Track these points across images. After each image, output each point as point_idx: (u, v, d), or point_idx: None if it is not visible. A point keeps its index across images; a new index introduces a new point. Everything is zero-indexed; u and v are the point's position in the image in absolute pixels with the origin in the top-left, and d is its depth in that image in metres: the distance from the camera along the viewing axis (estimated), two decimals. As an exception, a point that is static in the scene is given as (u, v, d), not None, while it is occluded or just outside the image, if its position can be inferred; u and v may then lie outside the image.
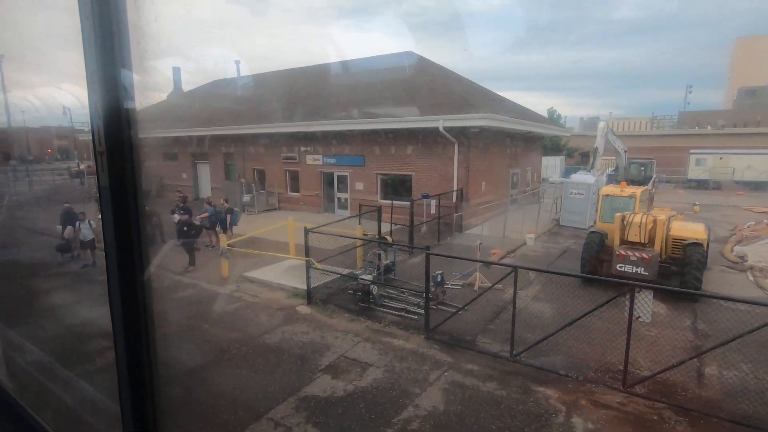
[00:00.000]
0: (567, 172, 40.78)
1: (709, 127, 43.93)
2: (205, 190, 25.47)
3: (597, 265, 10.24)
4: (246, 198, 20.54)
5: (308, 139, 20.08)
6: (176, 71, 33.45)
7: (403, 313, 8.72)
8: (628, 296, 6.15)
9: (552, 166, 38.29)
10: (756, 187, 30.81)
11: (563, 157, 41.02)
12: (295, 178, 21.35)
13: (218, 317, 8.79)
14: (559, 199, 19.13)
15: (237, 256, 12.24)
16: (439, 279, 9.10)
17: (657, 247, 9.21)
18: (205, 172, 25.69)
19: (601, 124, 20.55)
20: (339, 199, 19.98)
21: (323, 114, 19.44)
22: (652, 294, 6.16)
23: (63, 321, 9.01)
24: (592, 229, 10.92)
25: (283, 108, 22.27)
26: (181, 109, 28.80)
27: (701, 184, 32.63)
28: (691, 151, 34.44)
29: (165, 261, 12.83)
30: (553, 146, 41.64)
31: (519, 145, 21.43)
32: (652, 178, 24.23)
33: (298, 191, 21.22)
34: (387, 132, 17.27)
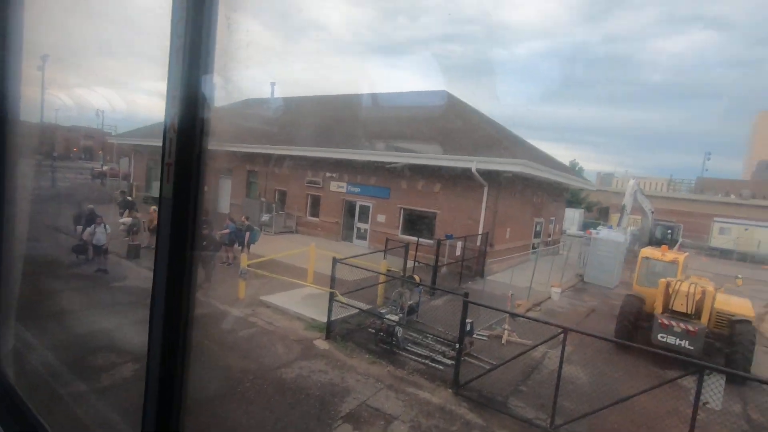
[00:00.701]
0: (585, 226, 40.29)
1: (732, 196, 43.34)
2: (224, 206, 25.39)
3: (633, 332, 9.63)
4: (265, 217, 20.34)
5: (335, 165, 20.02)
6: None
7: (428, 362, 8.16)
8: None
9: (571, 218, 37.82)
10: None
11: (582, 211, 40.58)
12: (316, 203, 21.17)
13: (233, 342, 8.32)
14: (583, 254, 18.59)
15: (253, 277, 11.86)
16: (469, 328, 8.56)
17: (704, 320, 8.62)
18: (226, 187, 25.70)
19: (631, 182, 20.28)
20: (359, 228, 19.66)
21: (352, 143, 19.45)
22: (725, 378, 5.57)
23: (72, 325, 8.62)
24: (629, 293, 10.37)
25: (312, 133, 22.42)
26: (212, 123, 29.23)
27: (724, 254, 31.76)
28: (715, 219, 33.79)
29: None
30: (573, 198, 41.31)
31: (545, 194, 21.12)
32: (678, 243, 23.62)
33: (317, 216, 20.99)
34: (416, 167, 17.12)
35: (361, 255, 11.02)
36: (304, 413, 6.15)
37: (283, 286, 11.85)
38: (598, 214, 47.21)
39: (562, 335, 6.24)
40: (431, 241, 16.46)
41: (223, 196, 25.80)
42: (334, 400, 6.59)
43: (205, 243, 11.87)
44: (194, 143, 1.07)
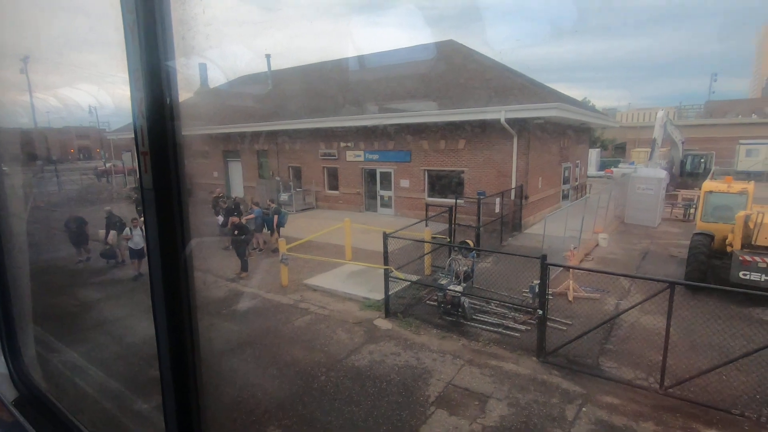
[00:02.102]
0: (603, 165, 39.23)
1: (754, 116, 41.68)
2: (238, 189, 24.75)
3: (706, 272, 9.05)
4: (284, 197, 19.68)
5: (348, 134, 19.10)
6: (203, 67, 32.75)
7: (500, 330, 7.69)
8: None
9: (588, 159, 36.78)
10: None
11: (599, 150, 39.39)
12: (333, 175, 20.41)
13: (292, 333, 7.88)
14: (614, 194, 17.81)
15: (291, 261, 11.35)
16: (537, 289, 8.02)
17: (791, 252, 7.98)
18: (237, 170, 24.96)
19: (660, 113, 19.20)
20: (382, 197, 18.97)
21: (362, 109, 18.43)
22: None
23: (115, 334, 8.22)
24: (696, 231, 9.70)
25: (317, 103, 21.35)
26: (210, 106, 28.10)
27: (754, 177, 30.71)
28: (741, 141, 32.54)
29: (214, 267, 12.04)
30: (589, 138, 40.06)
31: (571, 137, 20.12)
32: (711, 172, 22.68)
33: (337, 189, 20.29)
34: (437, 125, 16.18)
35: (408, 227, 10.30)
36: (391, 403, 5.73)
37: (323, 266, 11.36)
38: (614, 151, 45.95)
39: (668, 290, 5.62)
40: (461, 201, 15.80)
41: (235, 179, 25.12)
42: (418, 384, 6.16)
43: (236, 232, 11.30)
44: (166, 128, 1.00)
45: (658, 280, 6.08)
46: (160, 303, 1.12)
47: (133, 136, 1.04)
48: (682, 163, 22.20)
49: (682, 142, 21.94)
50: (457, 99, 16.09)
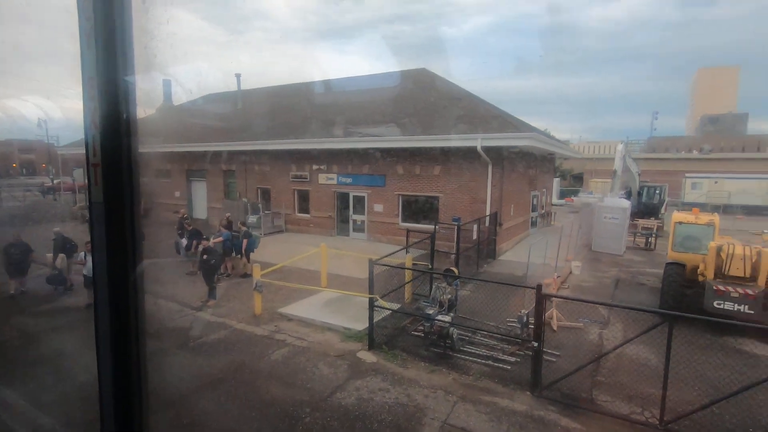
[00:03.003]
0: (563, 194, 40.89)
1: (695, 152, 45.14)
2: (201, 210, 23.66)
3: (680, 301, 9.28)
4: (251, 219, 18.90)
5: (321, 157, 18.79)
6: (167, 83, 31.70)
7: (490, 362, 7.44)
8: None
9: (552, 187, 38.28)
10: (752, 211, 31.31)
11: (558, 179, 41.10)
12: (305, 198, 19.91)
13: (269, 368, 7.26)
14: (581, 222, 18.40)
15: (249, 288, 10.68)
16: (525, 319, 7.90)
17: (761, 282, 8.32)
18: (200, 190, 23.90)
19: (620, 147, 20.21)
20: (355, 221, 18.63)
21: (336, 131, 18.25)
22: None
23: (62, 368, 7.28)
24: (668, 261, 10.01)
25: (289, 125, 21.00)
26: (173, 123, 27.03)
27: (698, 208, 32.92)
28: (686, 174, 34.98)
29: (177, 293, 11.16)
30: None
31: (538, 166, 20.79)
32: (665, 203, 24.03)
33: (308, 212, 19.78)
34: (412, 151, 16.21)
35: (392, 254, 9.95)
36: (385, 447, 5.28)
37: (297, 293, 10.80)
38: (572, 180, 48.14)
39: (663, 325, 5.58)
40: (432, 227, 15.74)
41: (199, 199, 24.01)
42: (412, 424, 5.75)
43: (205, 257, 10.58)
44: (121, 139, 0.97)
45: (653, 312, 6.06)
46: (104, 326, 1.04)
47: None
48: (639, 194, 23.39)
49: (639, 174, 23.20)
50: (432, 125, 16.25)
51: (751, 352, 7.88)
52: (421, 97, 19.22)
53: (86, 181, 1.00)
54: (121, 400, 1.13)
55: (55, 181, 36.12)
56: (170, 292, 11.34)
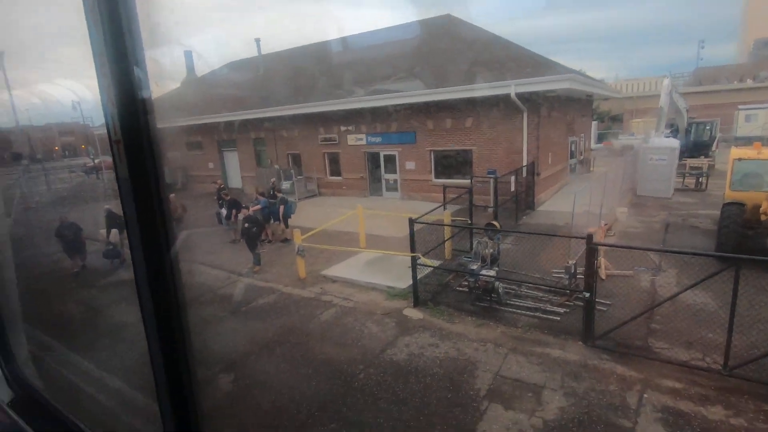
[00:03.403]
0: (600, 137, 38.90)
1: (749, 81, 41.43)
2: (235, 179, 24.10)
3: (740, 243, 8.77)
4: (285, 185, 19.10)
5: (348, 117, 18.46)
6: (188, 55, 31.66)
7: (538, 314, 7.37)
8: None
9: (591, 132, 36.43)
10: (814, 141, 28.81)
11: (596, 122, 38.97)
12: (335, 160, 19.84)
13: (319, 329, 7.50)
14: (622, 167, 17.46)
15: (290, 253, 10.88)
16: (573, 270, 7.71)
17: (833, 218, 7.70)
18: (233, 160, 24.24)
19: (666, 81, 18.75)
20: (387, 180, 18.48)
21: (361, 90, 17.75)
22: None
23: (121, 335, 7.79)
24: (726, 202, 9.40)
25: (313, 86, 20.60)
26: (199, 95, 27.14)
27: (752, 142, 30.60)
28: (739, 107, 32.30)
29: (223, 262, 11.57)
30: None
31: (576, 110, 19.68)
32: (716, 139, 22.43)
33: (339, 175, 19.75)
34: (442, 104, 15.62)
35: (430, 211, 9.80)
36: (441, 399, 5.40)
37: (337, 255, 10.96)
38: (611, 122, 45.62)
39: (727, 271, 5.27)
40: (467, 182, 15.39)
41: (232, 169, 24.42)
42: (464, 377, 5.83)
43: (246, 225, 10.81)
44: (138, 114, 0.97)
45: (718, 255, 5.73)
46: (146, 297, 1.09)
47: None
48: (687, 132, 21.88)
49: (687, 110, 21.60)
50: (461, 75, 15.51)
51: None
52: (448, 45, 18.28)
53: (112, 158, 1.02)
54: (170, 368, 1.18)
55: (96, 161, 37.56)
56: (217, 260, 11.77)
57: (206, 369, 6.37)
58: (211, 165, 25.13)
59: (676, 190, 16.31)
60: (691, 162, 19.26)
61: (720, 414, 4.84)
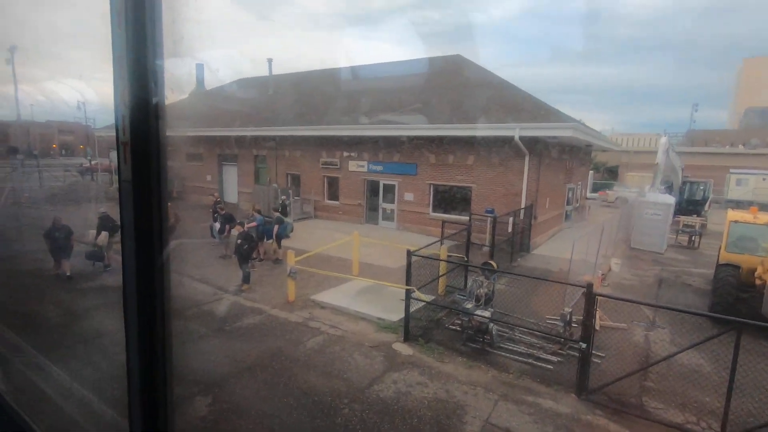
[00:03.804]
0: (595, 188, 39.53)
1: (740, 146, 42.79)
2: (232, 194, 23.96)
3: (734, 305, 8.74)
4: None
5: (352, 144, 18.62)
6: (199, 68, 32.10)
7: (531, 360, 7.19)
8: None
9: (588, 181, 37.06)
10: (802, 210, 29.51)
11: (592, 172, 39.73)
12: (334, 185, 19.85)
13: (304, 356, 7.23)
14: (620, 218, 17.66)
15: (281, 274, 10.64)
16: (568, 318, 7.59)
17: (829, 288, 7.73)
18: (232, 174, 24.18)
19: (663, 140, 19.25)
20: (384, 209, 18.46)
21: (367, 119, 17.99)
22: None
23: (97, 343, 7.44)
24: (721, 263, 9.44)
25: (320, 110, 20.88)
26: (206, 108, 27.34)
27: (741, 206, 31.29)
28: (731, 170, 33.20)
29: (212, 277, 11.31)
30: (582, 160, 40.42)
31: (575, 158, 20.05)
32: (708, 200, 22.88)
33: (337, 199, 19.71)
34: (446, 139, 15.83)
35: (429, 245, 9.73)
36: (427, 444, 5.14)
37: (328, 281, 10.75)
38: (606, 173, 46.53)
39: (733, 333, 5.19)
40: (464, 218, 15.41)
41: (230, 184, 24.32)
42: (453, 421, 5.59)
43: (239, 241, 10.62)
44: (149, 118, 0.97)
45: (722, 317, 5.66)
46: (132, 304, 1.07)
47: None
48: (681, 190, 22.32)
49: (682, 169, 22.11)
50: (467, 114, 15.81)
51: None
52: (456, 84, 18.72)
53: (117, 159, 1.00)
54: (147, 381, 1.14)
55: (92, 162, 37.31)
56: (205, 274, 11.49)
57: (184, 388, 6.06)
58: (209, 177, 25.03)
59: (669, 246, 16.45)
60: (684, 219, 19.53)
61: (716, 485, 4.65)
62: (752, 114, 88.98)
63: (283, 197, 16.93)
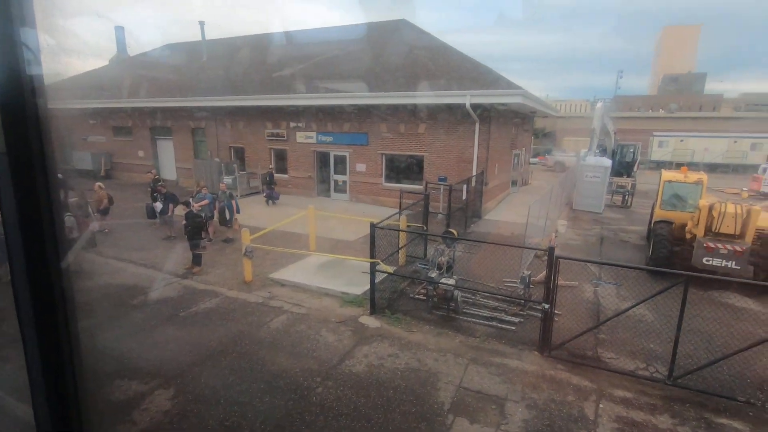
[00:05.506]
0: (534, 153, 41.24)
1: (661, 111, 46.30)
2: (170, 170, 22.31)
3: (669, 258, 9.53)
4: (227, 180, 17.95)
5: (298, 114, 17.84)
6: (119, 31, 28.97)
7: (494, 323, 7.43)
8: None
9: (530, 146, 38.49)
10: (712, 168, 32.77)
11: (532, 138, 41.33)
12: (282, 157, 19.04)
13: (270, 337, 6.97)
14: (559, 182, 18.60)
15: (236, 252, 10.12)
16: (528, 279, 7.89)
17: (749, 239, 8.60)
18: (167, 149, 22.43)
19: (599, 105, 20.27)
20: (336, 181, 18.07)
21: (308, 87, 17.22)
22: None
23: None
24: (658, 219, 10.20)
25: (260, 78, 19.68)
26: (131, 76, 24.83)
27: (662, 166, 34.15)
28: (654, 133, 35.90)
29: (157, 261, 10.55)
30: (522, 126, 41.85)
31: (519, 125, 20.61)
32: (637, 162, 24.62)
33: (285, 172, 18.97)
34: (396, 108, 15.57)
35: (390, 216, 9.57)
36: (405, 414, 5.18)
37: (285, 258, 10.41)
38: (544, 139, 48.61)
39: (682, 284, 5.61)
40: (416, 187, 15.49)
41: (166, 159, 22.59)
42: (427, 389, 5.67)
43: (185, 223, 9.90)
44: (20, 74, 0.87)
45: (673, 272, 6.09)
46: (25, 299, 0.96)
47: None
48: (614, 153, 23.80)
49: (615, 133, 23.50)
50: (417, 81, 15.56)
51: (736, 306, 8.27)
52: (403, 50, 18.30)
53: None
54: (51, 379, 1.04)
55: None
56: (149, 258, 10.69)
57: (140, 383, 5.63)
58: (141, 153, 23.06)
59: (606, 206, 17.61)
60: (617, 181, 20.93)
61: (668, 422, 5.11)
62: (668, 80, 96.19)
63: (270, 167, 17.89)
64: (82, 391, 1.08)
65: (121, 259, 10.55)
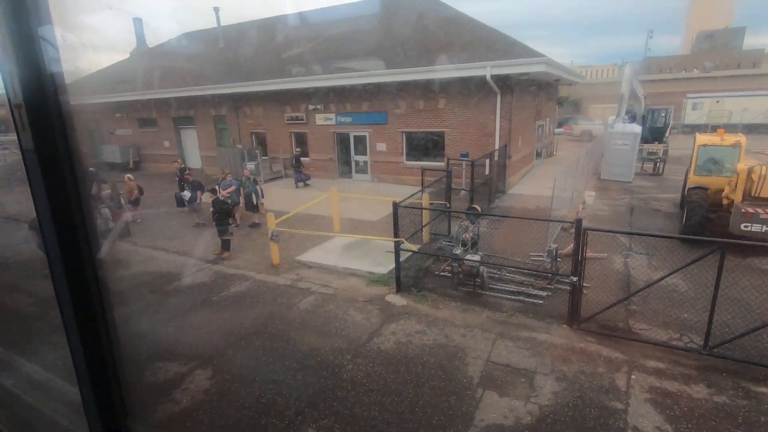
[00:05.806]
0: (560, 122, 39.97)
1: (695, 71, 43.80)
2: (194, 159, 22.79)
3: (704, 225, 9.18)
4: (250, 166, 18.20)
5: (316, 96, 17.75)
6: (137, 23, 29.29)
7: (521, 297, 7.39)
8: None
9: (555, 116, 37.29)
10: (751, 129, 30.97)
11: (557, 107, 39.96)
12: (302, 141, 19.12)
13: (299, 318, 7.16)
14: (589, 150, 18.00)
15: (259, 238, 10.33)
16: (555, 253, 7.77)
17: (791, 202, 8.17)
18: (191, 138, 22.86)
19: (628, 69, 19.29)
20: (357, 162, 18.06)
21: (330, 68, 17.05)
22: None
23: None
24: (692, 186, 9.79)
25: (277, 62, 19.63)
26: (152, 67, 25.22)
27: (696, 130, 32.51)
28: (687, 95, 34.13)
29: (188, 248, 10.90)
30: (546, 96, 40.46)
31: (543, 95, 19.95)
32: (669, 126, 23.52)
33: (307, 156, 19.06)
34: (415, 84, 15.29)
35: (413, 194, 9.54)
36: (434, 389, 5.27)
37: (311, 240, 10.57)
38: (570, 107, 46.94)
39: (717, 253, 5.40)
40: (438, 164, 15.31)
41: (190, 148, 23.05)
42: (455, 364, 5.74)
43: (212, 210, 10.14)
44: (42, 72, 0.89)
45: (708, 240, 5.88)
46: (63, 288, 0.98)
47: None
48: (644, 118, 22.78)
49: (645, 97, 22.45)
50: (435, 54, 15.19)
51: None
52: (419, 23, 17.83)
53: (14, 125, 0.93)
54: (96, 373, 1.09)
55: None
56: (181, 246, 11.06)
57: (180, 364, 5.92)
58: (167, 143, 23.60)
59: (636, 174, 17.00)
60: (648, 147, 20.10)
61: (704, 392, 5.02)
62: (703, 38, 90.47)
63: (297, 150, 18.44)
64: (122, 373, 1.14)
65: (154, 247, 10.95)
